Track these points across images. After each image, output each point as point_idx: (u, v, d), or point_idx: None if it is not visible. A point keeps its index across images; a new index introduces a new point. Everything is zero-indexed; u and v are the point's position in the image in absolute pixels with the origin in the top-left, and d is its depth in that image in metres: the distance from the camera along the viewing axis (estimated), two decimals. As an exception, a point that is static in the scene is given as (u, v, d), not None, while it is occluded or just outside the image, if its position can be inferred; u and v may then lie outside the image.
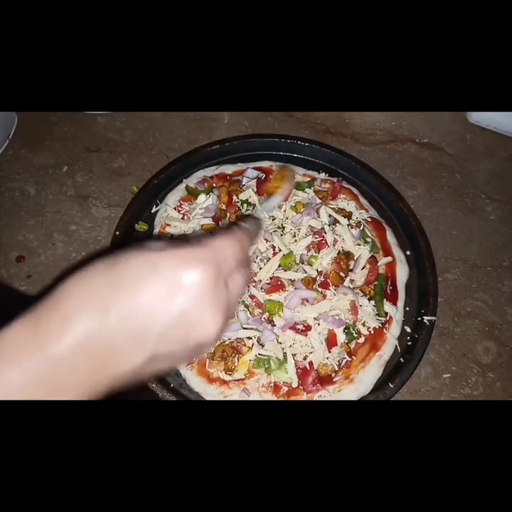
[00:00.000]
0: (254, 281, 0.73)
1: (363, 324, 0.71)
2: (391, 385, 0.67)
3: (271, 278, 0.73)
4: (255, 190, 0.83)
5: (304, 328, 0.69)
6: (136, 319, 0.31)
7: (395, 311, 0.74)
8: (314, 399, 0.66)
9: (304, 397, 0.66)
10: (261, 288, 0.72)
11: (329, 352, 0.69)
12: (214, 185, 0.85)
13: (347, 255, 0.76)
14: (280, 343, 0.69)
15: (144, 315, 0.31)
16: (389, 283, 0.76)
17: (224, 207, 0.81)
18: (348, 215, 0.81)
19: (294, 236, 0.78)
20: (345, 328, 0.70)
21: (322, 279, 0.73)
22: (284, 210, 0.81)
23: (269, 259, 0.74)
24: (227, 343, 0.69)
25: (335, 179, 0.86)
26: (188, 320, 0.33)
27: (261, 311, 0.71)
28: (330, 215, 0.79)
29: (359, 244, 0.78)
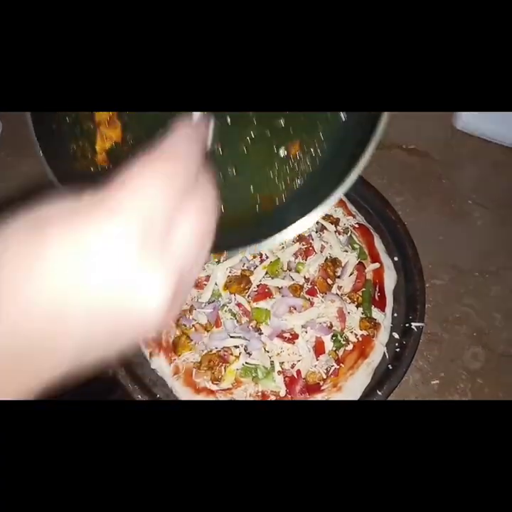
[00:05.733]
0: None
1: (351, 331, 0.71)
2: (379, 393, 0.66)
3: (258, 285, 0.72)
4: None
5: (291, 336, 0.68)
6: (52, 296, 0.23)
7: (383, 318, 0.74)
8: (302, 408, 0.66)
9: (291, 406, 0.66)
10: (248, 296, 0.72)
11: (317, 360, 0.68)
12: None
13: (334, 262, 0.76)
14: (267, 351, 0.68)
15: (63, 288, 0.23)
16: (377, 289, 0.76)
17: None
18: (336, 222, 0.81)
19: (281, 243, 0.77)
20: (333, 336, 0.70)
21: (309, 286, 0.73)
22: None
23: (256, 266, 0.73)
24: (214, 352, 0.68)
25: (322, 186, 0.86)
26: (120, 287, 0.25)
27: (248, 319, 0.70)
28: (317, 222, 0.79)
29: (346, 251, 0.77)
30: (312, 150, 0.55)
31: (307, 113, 0.55)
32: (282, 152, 0.55)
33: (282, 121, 0.55)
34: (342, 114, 0.54)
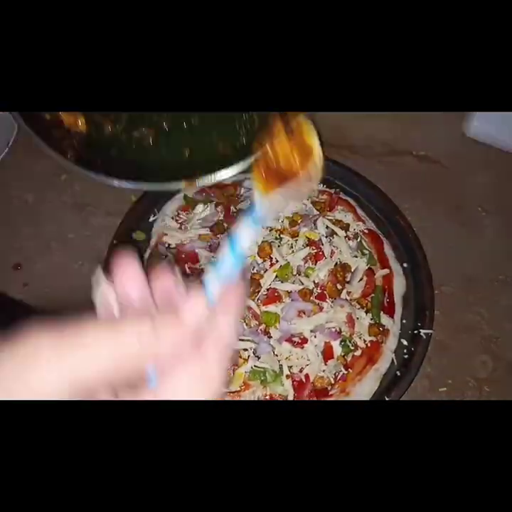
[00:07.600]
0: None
1: (360, 337, 0.71)
2: (387, 399, 0.66)
3: (268, 289, 0.73)
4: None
5: (300, 341, 0.69)
6: None
7: (392, 324, 0.74)
8: (310, 412, 0.66)
9: (299, 409, 0.66)
10: (258, 299, 0.72)
11: (325, 364, 0.69)
12: (212, 194, 0.85)
13: (344, 267, 0.76)
14: (276, 355, 0.68)
15: None
16: (386, 295, 0.76)
17: (222, 217, 0.81)
18: (346, 227, 0.81)
19: (291, 247, 0.78)
20: (341, 341, 0.70)
21: (319, 291, 0.73)
22: (282, 221, 0.81)
23: (266, 270, 0.74)
24: (223, 354, 0.69)
25: (332, 190, 0.87)
26: None
27: (257, 323, 0.71)
28: (327, 227, 0.79)
29: (356, 256, 0.78)
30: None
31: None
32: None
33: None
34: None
